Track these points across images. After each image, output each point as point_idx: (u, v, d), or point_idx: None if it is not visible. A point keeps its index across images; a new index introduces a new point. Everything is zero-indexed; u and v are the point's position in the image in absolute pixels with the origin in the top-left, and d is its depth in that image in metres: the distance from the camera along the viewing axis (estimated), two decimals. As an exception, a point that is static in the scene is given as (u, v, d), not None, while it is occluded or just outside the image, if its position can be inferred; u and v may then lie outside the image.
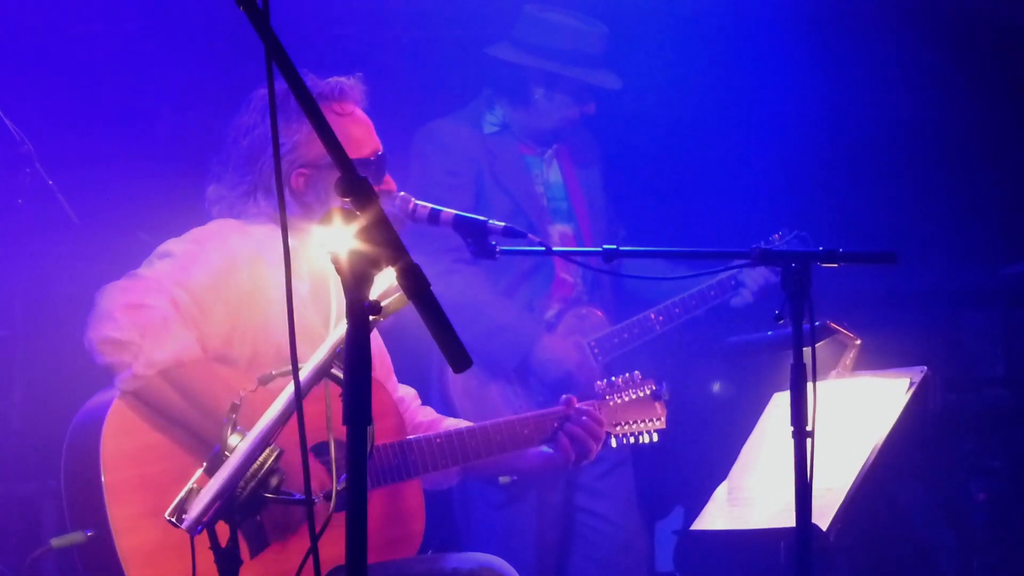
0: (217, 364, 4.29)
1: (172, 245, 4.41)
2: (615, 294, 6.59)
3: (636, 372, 5.00)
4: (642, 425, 4.96)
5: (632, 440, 4.97)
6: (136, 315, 4.19)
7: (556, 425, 4.76)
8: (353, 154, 4.25)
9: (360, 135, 4.54)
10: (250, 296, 4.33)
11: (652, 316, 6.37)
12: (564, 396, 4.85)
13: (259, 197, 4.51)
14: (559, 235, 6.44)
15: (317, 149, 4.36)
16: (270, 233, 4.39)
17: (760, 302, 6.29)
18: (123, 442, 4.17)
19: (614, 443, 4.94)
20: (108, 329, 4.17)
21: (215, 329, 4.31)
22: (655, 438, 5.00)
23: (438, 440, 4.56)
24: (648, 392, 4.97)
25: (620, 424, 4.93)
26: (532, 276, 6.39)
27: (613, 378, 4.99)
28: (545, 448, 4.79)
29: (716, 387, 6.99)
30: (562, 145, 6.61)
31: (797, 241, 6.31)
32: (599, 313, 6.49)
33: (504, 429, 4.68)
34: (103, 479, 4.11)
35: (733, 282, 6.34)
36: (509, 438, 4.68)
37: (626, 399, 4.95)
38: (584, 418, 4.79)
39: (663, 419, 4.99)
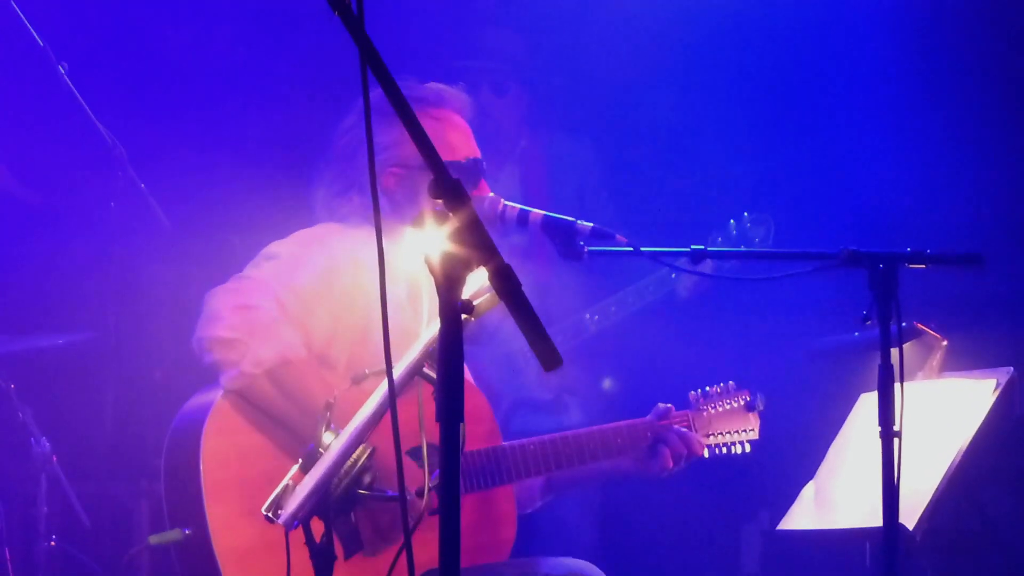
0: (319, 365, 4.36)
1: (277, 247, 4.49)
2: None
3: (731, 382, 4.91)
4: (735, 436, 4.88)
5: (724, 451, 4.88)
6: (244, 315, 4.26)
7: (651, 436, 4.73)
8: (447, 157, 4.30)
9: (456, 140, 4.58)
10: (351, 298, 4.40)
11: (587, 316, 6.44)
12: (661, 406, 4.83)
13: (353, 195, 4.58)
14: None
15: (410, 149, 4.35)
16: (368, 236, 4.40)
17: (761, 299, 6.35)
18: (224, 441, 4.23)
19: (706, 454, 4.85)
20: (218, 329, 4.25)
21: (319, 330, 4.38)
22: (747, 448, 4.91)
23: (531, 447, 4.56)
24: (742, 403, 4.89)
25: (712, 435, 4.86)
26: None
27: (707, 388, 4.90)
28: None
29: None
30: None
31: (761, 225, 6.33)
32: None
33: (597, 438, 4.66)
34: (203, 478, 4.16)
35: (672, 276, 6.34)
36: (602, 447, 4.66)
37: (720, 409, 4.87)
38: (681, 430, 4.77)
39: (756, 430, 4.90)
